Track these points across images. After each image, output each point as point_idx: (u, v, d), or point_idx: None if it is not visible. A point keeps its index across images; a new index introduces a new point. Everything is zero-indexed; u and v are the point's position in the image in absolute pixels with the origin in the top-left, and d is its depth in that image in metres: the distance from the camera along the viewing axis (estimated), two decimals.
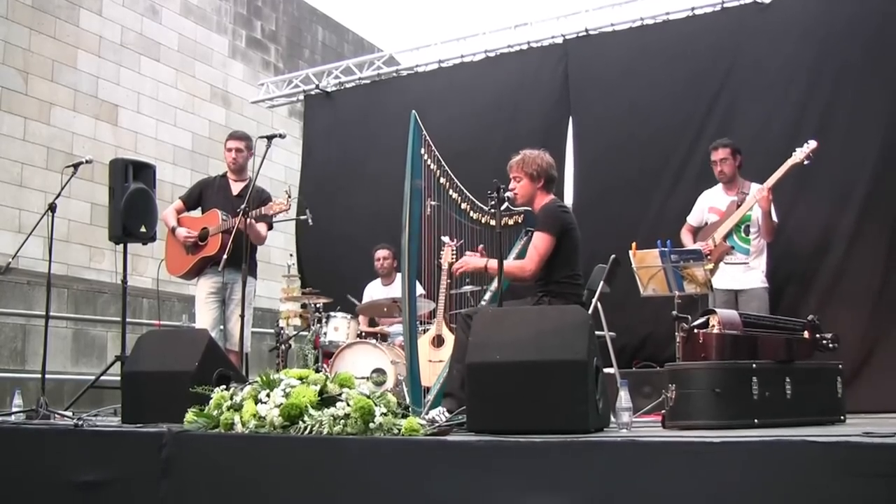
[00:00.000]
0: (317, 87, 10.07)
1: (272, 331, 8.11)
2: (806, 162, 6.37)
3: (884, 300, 6.66)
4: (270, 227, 6.90)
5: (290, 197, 6.41)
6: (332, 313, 7.48)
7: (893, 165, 6.77)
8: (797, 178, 6.63)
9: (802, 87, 7.22)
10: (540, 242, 5.19)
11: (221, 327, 6.75)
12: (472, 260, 5.40)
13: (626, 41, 8.19)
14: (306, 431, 3.61)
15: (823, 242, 6.96)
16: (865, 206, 6.82)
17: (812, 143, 6.38)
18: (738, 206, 6.57)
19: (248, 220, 5.94)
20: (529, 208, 5.42)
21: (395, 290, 7.63)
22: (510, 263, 5.31)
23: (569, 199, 7.99)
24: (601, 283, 5.85)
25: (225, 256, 5.99)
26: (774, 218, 6.56)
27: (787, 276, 6.94)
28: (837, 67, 7.10)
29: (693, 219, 6.89)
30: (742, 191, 6.63)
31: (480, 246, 5.48)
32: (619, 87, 8.09)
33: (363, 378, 4.01)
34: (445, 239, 6.00)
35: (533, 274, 5.23)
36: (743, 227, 6.58)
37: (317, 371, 4.02)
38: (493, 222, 5.09)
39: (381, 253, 8.20)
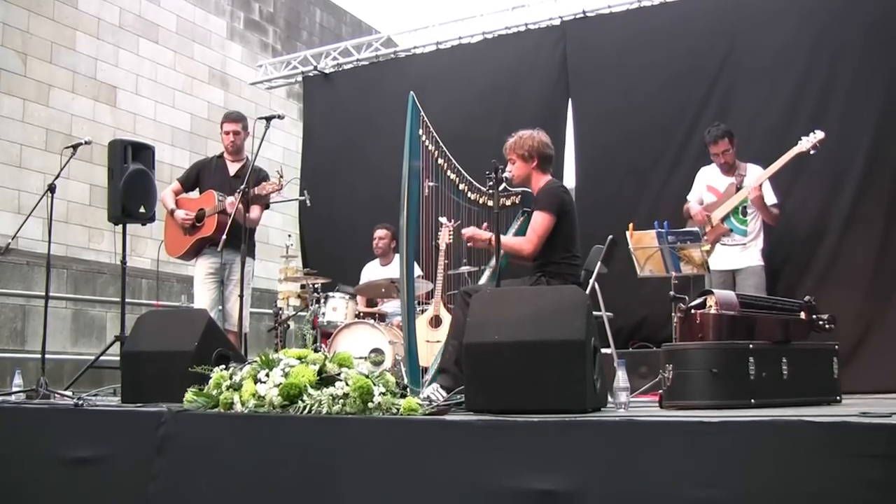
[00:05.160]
0: (315, 68, 10.06)
1: (270, 311, 8.12)
2: (812, 152, 6.37)
3: (879, 281, 6.69)
4: (267, 207, 6.89)
5: (281, 177, 6.39)
6: (330, 294, 7.44)
7: (888, 147, 6.80)
8: (793, 161, 6.64)
9: (800, 69, 7.23)
10: (540, 221, 5.16)
11: (220, 307, 6.74)
12: (479, 233, 5.37)
13: (623, 23, 8.17)
14: (305, 411, 3.61)
15: (819, 224, 6.98)
16: (861, 188, 6.85)
17: (819, 134, 6.36)
18: (738, 189, 6.57)
19: (242, 201, 5.93)
20: (528, 189, 5.42)
21: (393, 270, 7.63)
22: (511, 239, 5.29)
23: (570, 181, 7.98)
24: (598, 263, 5.85)
25: (223, 237, 6.00)
26: (775, 199, 6.58)
27: (783, 257, 6.98)
28: (835, 49, 7.10)
29: (693, 197, 6.89)
30: (739, 173, 6.64)
31: (485, 224, 5.47)
32: (617, 68, 8.08)
33: (361, 358, 4.00)
34: (443, 220, 6.01)
35: (532, 253, 5.22)
36: (741, 208, 6.60)
37: (315, 351, 4.02)
38: (490, 203, 5.08)
39: (380, 232, 8.18)
